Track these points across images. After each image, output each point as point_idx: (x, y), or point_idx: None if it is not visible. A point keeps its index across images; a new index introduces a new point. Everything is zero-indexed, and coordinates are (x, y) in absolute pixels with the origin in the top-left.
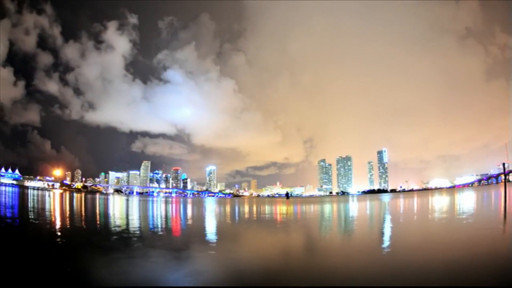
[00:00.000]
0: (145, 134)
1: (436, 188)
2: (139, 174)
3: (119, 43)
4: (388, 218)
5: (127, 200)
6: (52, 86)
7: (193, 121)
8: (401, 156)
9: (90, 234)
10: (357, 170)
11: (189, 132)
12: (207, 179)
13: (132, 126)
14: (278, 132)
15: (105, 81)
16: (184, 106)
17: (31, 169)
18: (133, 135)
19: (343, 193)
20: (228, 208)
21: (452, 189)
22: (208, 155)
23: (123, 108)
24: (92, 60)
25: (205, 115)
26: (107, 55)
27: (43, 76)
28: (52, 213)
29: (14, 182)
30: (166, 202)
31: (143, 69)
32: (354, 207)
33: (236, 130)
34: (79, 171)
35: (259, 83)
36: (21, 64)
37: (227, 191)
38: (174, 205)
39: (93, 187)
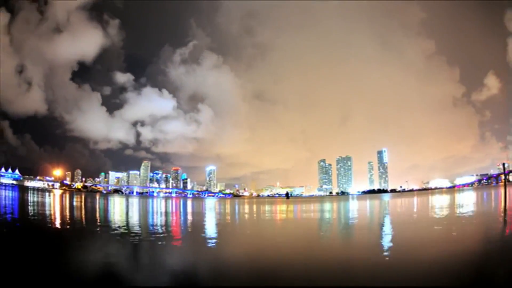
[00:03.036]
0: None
1: (436, 188)
2: (139, 174)
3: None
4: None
5: (127, 200)
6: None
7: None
8: (401, 156)
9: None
10: (357, 170)
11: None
12: (207, 179)
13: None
14: (287, 141)
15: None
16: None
17: (31, 169)
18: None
19: (343, 193)
20: (227, 210)
21: (452, 189)
22: (229, 167)
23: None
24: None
25: (229, 134)
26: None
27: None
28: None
29: (14, 182)
30: (166, 203)
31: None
32: (356, 208)
33: (251, 144)
34: (79, 171)
35: (264, 91)
36: None
37: (227, 191)
38: (174, 206)
39: (93, 187)
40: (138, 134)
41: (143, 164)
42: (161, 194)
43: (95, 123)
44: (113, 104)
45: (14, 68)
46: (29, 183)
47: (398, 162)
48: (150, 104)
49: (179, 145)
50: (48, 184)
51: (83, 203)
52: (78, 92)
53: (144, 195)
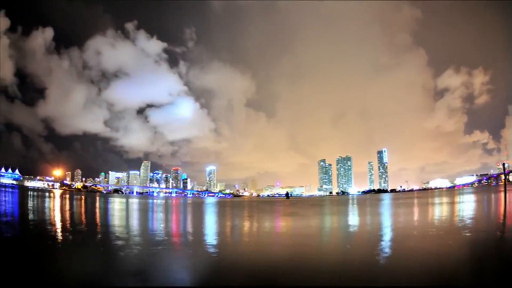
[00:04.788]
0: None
1: (436, 188)
2: (139, 174)
3: None
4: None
5: (127, 200)
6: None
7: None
8: (401, 156)
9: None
10: (357, 170)
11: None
12: (207, 179)
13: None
14: (288, 149)
15: None
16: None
17: (31, 169)
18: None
19: (343, 193)
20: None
21: (452, 189)
22: (233, 170)
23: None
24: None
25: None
26: None
27: None
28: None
29: (14, 182)
30: (166, 205)
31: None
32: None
33: (257, 153)
34: (79, 171)
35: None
36: None
37: (227, 191)
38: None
39: (93, 187)
40: (174, 149)
41: (143, 164)
42: (161, 194)
43: (141, 141)
44: (161, 126)
45: (85, 95)
46: (29, 183)
47: (398, 162)
48: (191, 127)
49: (203, 156)
50: (48, 184)
51: (78, 207)
52: (136, 120)
53: (144, 195)
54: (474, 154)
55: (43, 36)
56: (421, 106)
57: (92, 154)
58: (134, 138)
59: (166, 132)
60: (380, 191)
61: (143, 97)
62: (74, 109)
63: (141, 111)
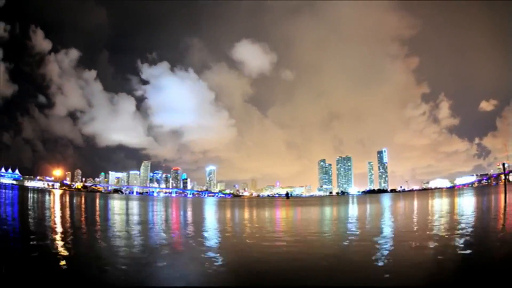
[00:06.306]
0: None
1: (436, 188)
2: (139, 174)
3: None
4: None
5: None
6: None
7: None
8: (401, 156)
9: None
10: (357, 170)
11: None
12: (207, 179)
13: None
14: (289, 153)
15: None
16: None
17: (31, 169)
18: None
19: (343, 193)
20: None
21: (452, 189)
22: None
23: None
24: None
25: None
26: None
27: None
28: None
29: (14, 182)
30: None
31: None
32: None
33: (257, 151)
34: (79, 171)
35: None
36: None
37: (227, 191)
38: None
39: (93, 187)
40: (198, 157)
41: (143, 164)
42: (161, 194)
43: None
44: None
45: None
46: (29, 183)
47: (398, 162)
48: (216, 137)
49: (216, 162)
50: (48, 184)
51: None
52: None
53: (144, 195)
54: (459, 159)
55: (69, 57)
56: (399, 117)
57: (93, 154)
58: (164, 150)
59: (193, 145)
60: (380, 191)
61: (176, 118)
62: (115, 125)
63: (174, 130)
